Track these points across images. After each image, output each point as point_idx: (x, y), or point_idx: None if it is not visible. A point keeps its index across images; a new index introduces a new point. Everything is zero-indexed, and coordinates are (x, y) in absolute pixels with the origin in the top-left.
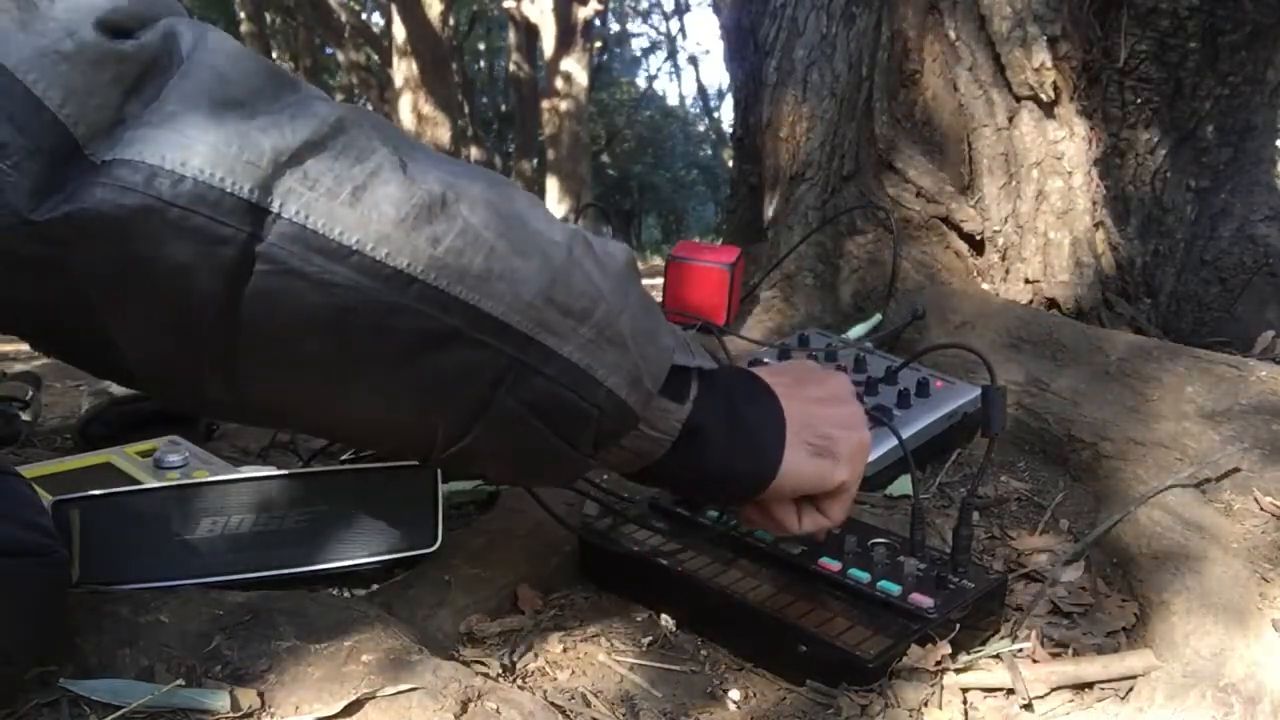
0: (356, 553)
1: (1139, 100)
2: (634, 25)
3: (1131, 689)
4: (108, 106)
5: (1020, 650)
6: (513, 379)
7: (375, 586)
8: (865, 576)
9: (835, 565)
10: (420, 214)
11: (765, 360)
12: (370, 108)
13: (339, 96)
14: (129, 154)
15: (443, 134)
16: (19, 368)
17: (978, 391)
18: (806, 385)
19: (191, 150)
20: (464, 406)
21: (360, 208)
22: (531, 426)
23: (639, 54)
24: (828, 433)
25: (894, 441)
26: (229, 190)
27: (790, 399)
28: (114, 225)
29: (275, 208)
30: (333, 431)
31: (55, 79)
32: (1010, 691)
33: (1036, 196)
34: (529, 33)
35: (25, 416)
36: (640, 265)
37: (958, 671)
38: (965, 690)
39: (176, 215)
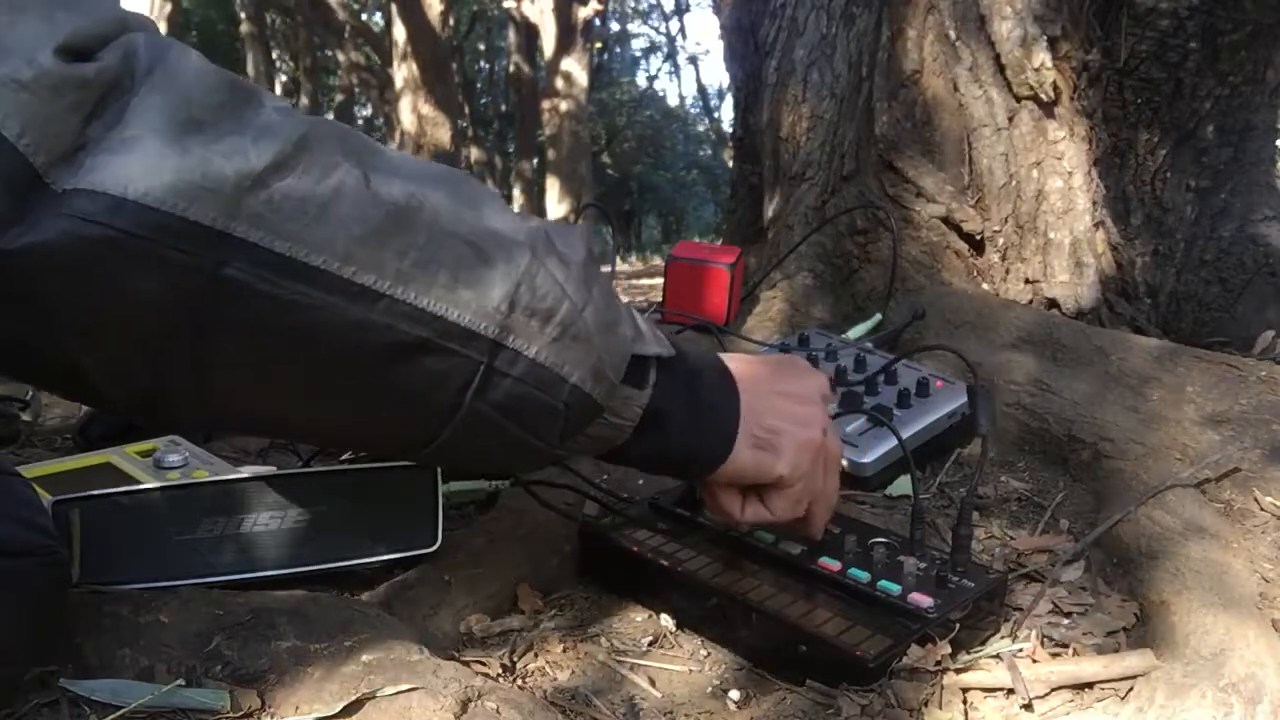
0: (356, 553)
1: (1139, 100)
2: (634, 25)
3: (1131, 689)
4: (68, 133)
5: (1020, 650)
6: (481, 383)
7: (375, 587)
8: (865, 576)
9: (835, 565)
10: (385, 228)
11: (775, 346)
12: (370, 108)
13: (339, 97)
14: (90, 183)
15: (443, 134)
16: None
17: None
18: (777, 378)
19: (153, 178)
20: (434, 412)
21: (325, 227)
22: (501, 426)
23: (639, 54)
24: (775, 425)
25: (894, 441)
26: (192, 219)
27: (751, 388)
28: (77, 257)
29: (240, 233)
30: (307, 438)
31: (13, 108)
32: (1010, 691)
33: (1036, 196)
34: (529, 33)
35: (25, 416)
36: (640, 265)
37: (958, 671)
38: (965, 690)
39: (140, 246)
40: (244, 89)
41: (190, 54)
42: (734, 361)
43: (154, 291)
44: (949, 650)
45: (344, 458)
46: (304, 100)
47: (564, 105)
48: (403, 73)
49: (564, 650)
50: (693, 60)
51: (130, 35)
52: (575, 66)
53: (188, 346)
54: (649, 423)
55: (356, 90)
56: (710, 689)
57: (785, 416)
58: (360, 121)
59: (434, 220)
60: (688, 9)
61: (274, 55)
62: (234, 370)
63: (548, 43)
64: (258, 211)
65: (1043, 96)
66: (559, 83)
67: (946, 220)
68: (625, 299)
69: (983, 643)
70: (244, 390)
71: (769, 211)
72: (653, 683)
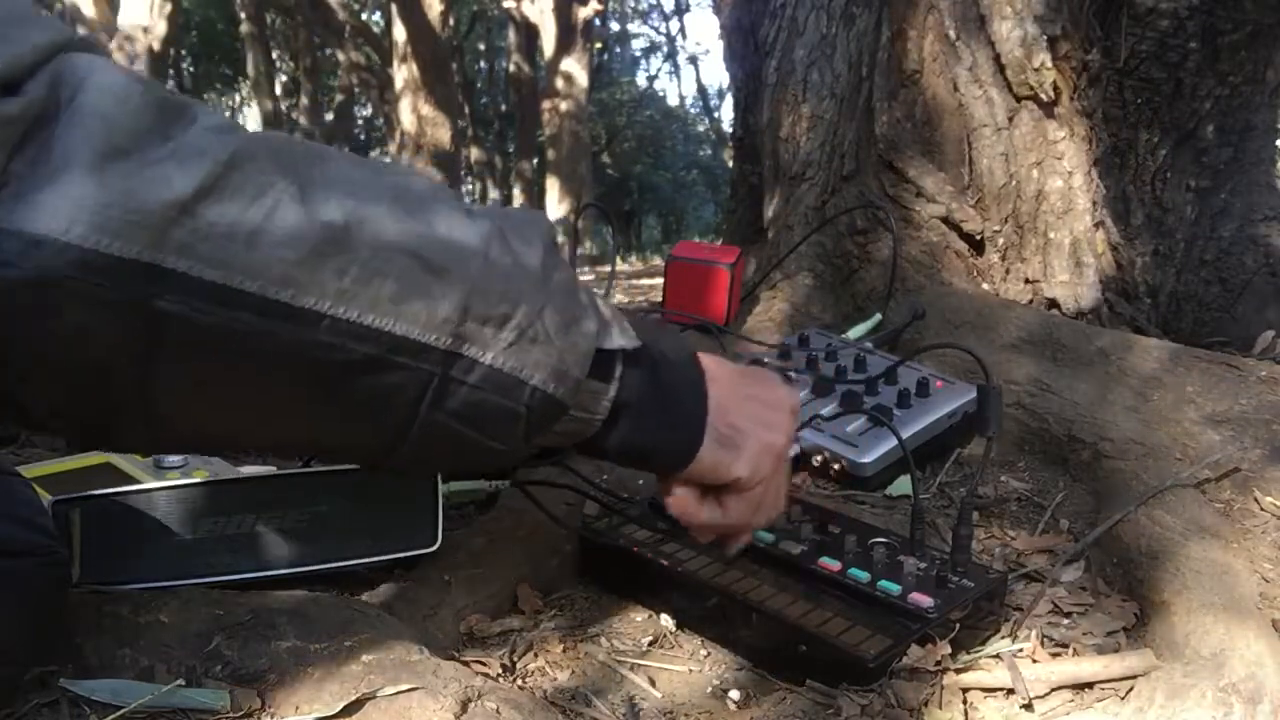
0: (356, 553)
1: (1139, 100)
2: (634, 25)
3: (1131, 689)
4: None
5: (1020, 650)
6: (436, 393)
7: (375, 587)
8: (865, 576)
9: (835, 565)
10: (324, 247)
11: (764, 360)
12: (370, 108)
13: (339, 97)
14: (12, 223)
15: (443, 134)
16: None
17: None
18: (749, 382)
19: (75, 214)
20: (390, 424)
21: (258, 251)
22: (460, 433)
23: (639, 54)
24: (738, 424)
25: (894, 441)
26: (116, 254)
27: (718, 385)
28: (5, 299)
29: (169, 264)
30: (262, 454)
31: None
32: (1010, 691)
33: (1036, 196)
34: (529, 33)
35: None
36: (640, 265)
37: (958, 671)
38: (965, 690)
39: (66, 286)
40: (173, 108)
41: (116, 75)
42: (707, 359)
43: (85, 329)
44: (949, 650)
45: None
46: (304, 100)
47: (564, 105)
48: (403, 73)
49: (564, 650)
50: (693, 60)
51: (59, 60)
52: (575, 66)
53: (129, 380)
54: (618, 415)
55: (356, 90)
56: (710, 689)
57: (752, 417)
58: (360, 121)
59: (377, 233)
60: (688, 9)
61: (274, 55)
62: (180, 399)
63: (548, 43)
64: (186, 241)
65: (1043, 96)
66: (559, 83)
67: (946, 220)
68: (624, 299)
69: (983, 643)
70: (194, 416)
71: (769, 211)
72: (653, 683)
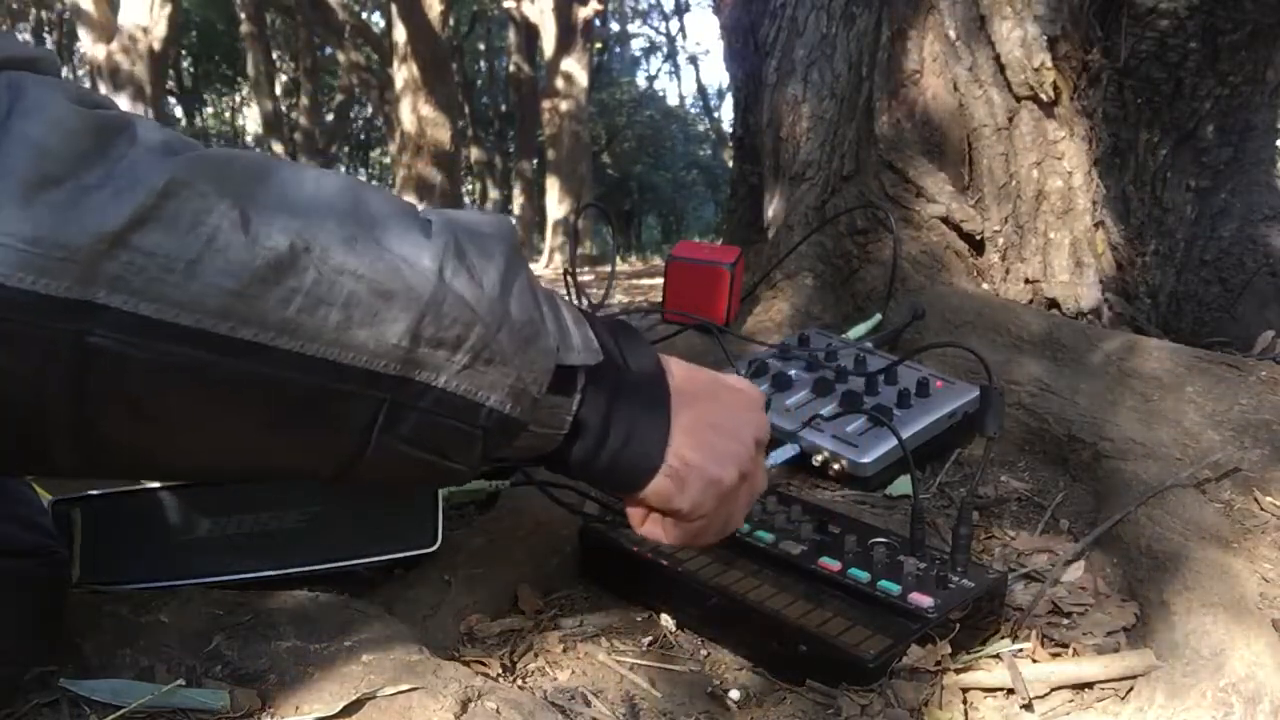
0: (356, 553)
1: (1139, 100)
2: (634, 25)
3: (1131, 689)
4: None
5: (1020, 650)
6: (386, 420)
7: (375, 586)
8: (865, 576)
9: (835, 565)
10: (266, 275)
11: (775, 346)
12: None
13: (339, 97)
14: None
15: (443, 134)
16: None
17: (977, 391)
18: (710, 403)
19: (2, 251)
20: (340, 451)
21: (195, 282)
22: (411, 456)
23: (639, 54)
24: (688, 458)
25: (894, 441)
26: (44, 293)
27: (680, 408)
28: None
29: (101, 299)
30: (207, 481)
31: None
32: (1010, 691)
33: (1036, 196)
34: (529, 33)
35: None
36: (640, 265)
37: (958, 671)
38: (965, 690)
39: None
40: (111, 130)
41: (51, 95)
42: (676, 372)
43: (15, 368)
44: (949, 650)
45: None
46: (304, 100)
47: (564, 105)
48: (403, 73)
49: (564, 650)
50: (693, 60)
51: None
52: (575, 66)
53: (63, 414)
54: (579, 431)
55: (356, 90)
56: (710, 689)
57: (706, 450)
58: (360, 121)
59: (323, 258)
60: (688, 9)
61: (274, 55)
62: (121, 434)
63: (548, 43)
64: (118, 274)
65: (1043, 96)
66: (559, 83)
67: (946, 220)
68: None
69: (983, 643)
70: (130, 445)
71: (769, 211)
72: (653, 683)
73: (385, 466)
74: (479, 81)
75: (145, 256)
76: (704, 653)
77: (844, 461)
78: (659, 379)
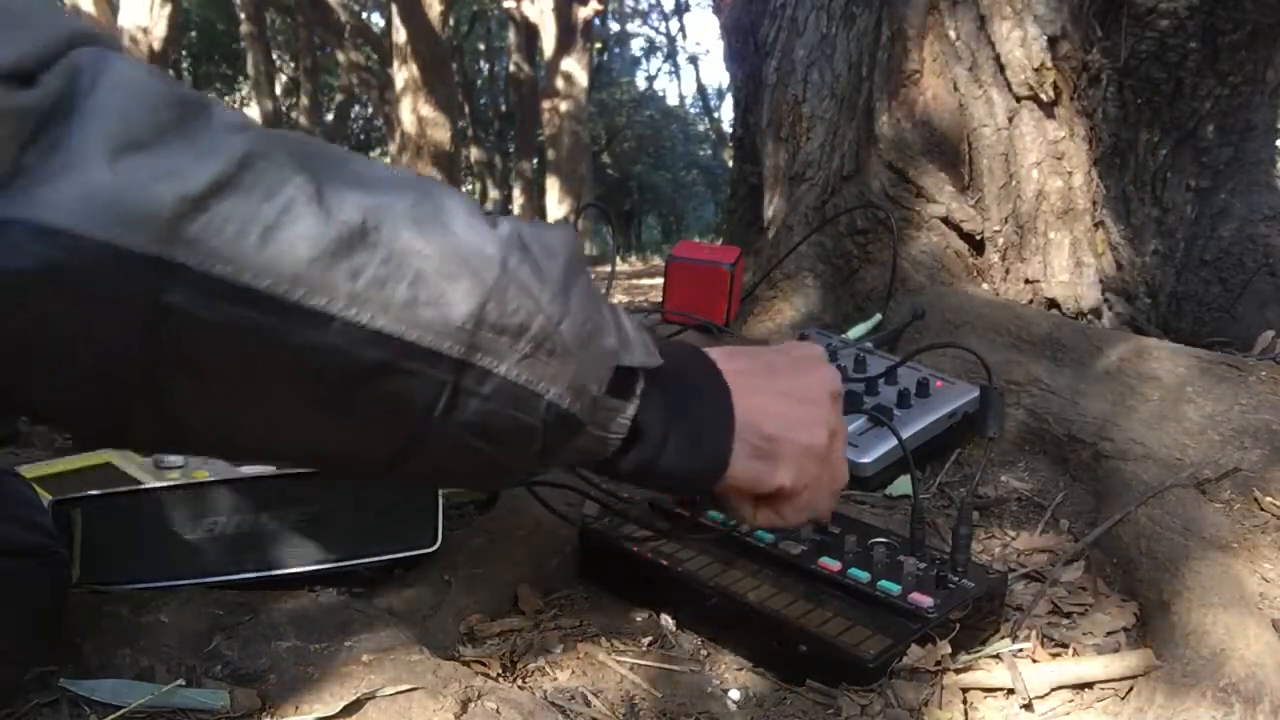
0: (356, 553)
1: (1139, 100)
2: (634, 25)
3: (1131, 689)
4: (4, 162)
5: (1020, 650)
6: (447, 404)
7: (375, 586)
8: (865, 576)
9: (835, 565)
10: (337, 248)
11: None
12: (370, 108)
13: (339, 97)
14: (21, 213)
15: (443, 134)
16: None
17: (977, 391)
18: (778, 376)
19: (86, 206)
20: (400, 433)
21: (270, 249)
22: (472, 446)
23: (639, 54)
24: (772, 434)
25: (894, 441)
26: (127, 247)
27: (747, 393)
28: (12, 291)
29: (179, 259)
30: (269, 461)
31: None
32: (1010, 691)
33: (1036, 196)
34: (529, 33)
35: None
36: (640, 265)
37: (958, 671)
38: (965, 690)
39: (75, 278)
40: (192, 104)
41: (136, 69)
42: (730, 360)
43: (94, 321)
44: (949, 650)
45: None
46: (304, 100)
47: (564, 105)
48: (403, 73)
49: (564, 650)
50: (693, 60)
51: (76, 53)
52: (575, 66)
53: (138, 376)
54: (637, 436)
55: (356, 90)
56: (710, 689)
57: (783, 422)
58: (360, 122)
59: (393, 236)
60: (688, 9)
61: (274, 55)
62: (188, 398)
63: (548, 43)
64: (197, 235)
65: (1043, 96)
66: (559, 83)
67: (946, 220)
68: (625, 299)
69: (983, 643)
70: (202, 417)
71: (769, 211)
72: (653, 683)
73: (441, 457)
74: (479, 81)
75: (223, 220)
76: (704, 653)
77: None
78: (711, 369)
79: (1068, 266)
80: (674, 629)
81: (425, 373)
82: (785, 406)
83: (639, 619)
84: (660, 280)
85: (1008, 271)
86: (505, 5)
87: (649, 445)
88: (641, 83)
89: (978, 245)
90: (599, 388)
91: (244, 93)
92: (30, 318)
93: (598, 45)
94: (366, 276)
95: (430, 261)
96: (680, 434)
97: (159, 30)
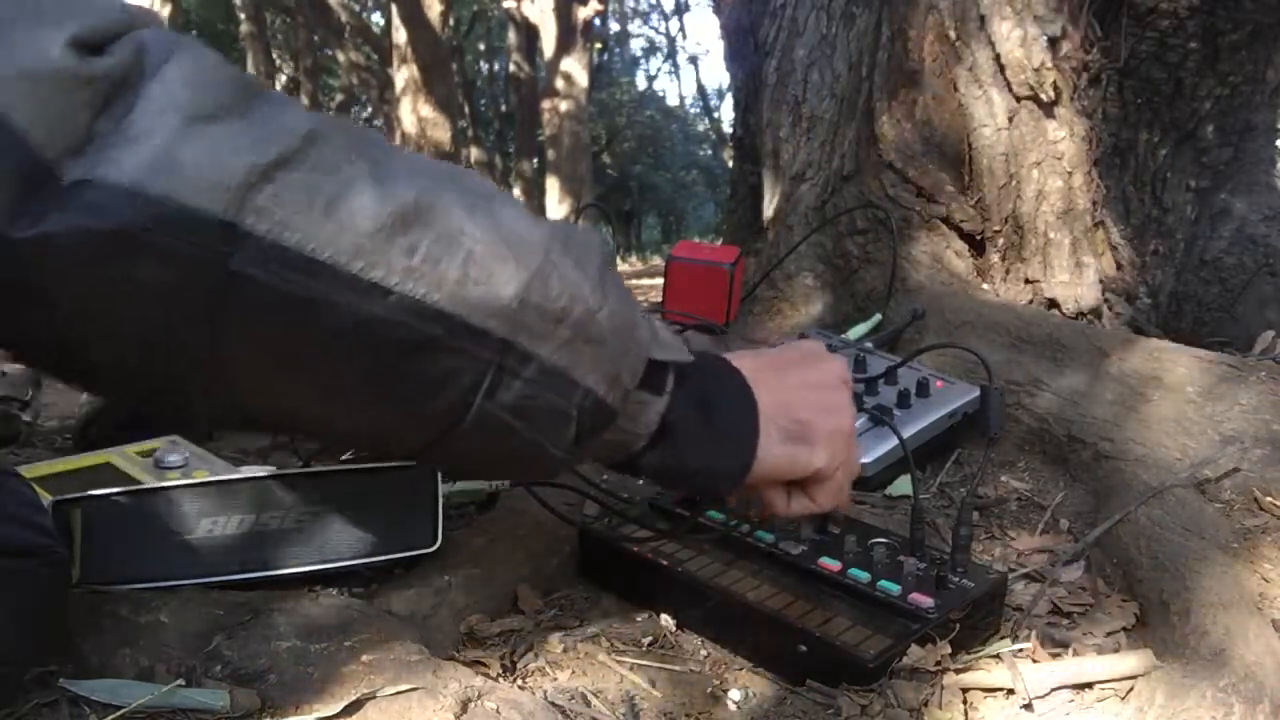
0: (356, 553)
1: (1139, 100)
2: (634, 25)
3: (1131, 689)
4: (77, 128)
5: (1020, 650)
6: (491, 382)
7: (375, 586)
8: (865, 576)
9: (835, 565)
10: (394, 224)
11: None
12: (370, 108)
13: (339, 97)
14: (100, 175)
15: (443, 134)
16: (19, 368)
17: (977, 391)
18: (793, 369)
19: (162, 171)
20: (443, 410)
21: (333, 222)
22: (511, 427)
23: (639, 54)
24: (802, 417)
25: (894, 441)
26: (200, 211)
27: (767, 386)
28: (86, 249)
29: (248, 226)
30: (315, 435)
31: (25, 101)
32: (1010, 691)
33: (1036, 196)
34: (529, 33)
35: (25, 416)
36: (640, 265)
37: (958, 671)
38: (965, 690)
39: (148, 238)
40: (254, 85)
41: (202, 50)
42: (747, 360)
43: (163, 282)
44: (949, 650)
45: (344, 457)
46: (304, 100)
47: (564, 105)
48: (403, 73)
49: (564, 650)
50: (693, 60)
51: (140, 31)
52: (575, 66)
53: (198, 338)
54: (665, 432)
55: (356, 90)
56: (710, 689)
57: (810, 406)
58: (360, 122)
59: (445, 217)
60: (688, 9)
61: (274, 55)
62: (244, 363)
63: (548, 43)
64: (265, 205)
65: (1043, 96)
66: (559, 83)
67: (946, 220)
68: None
69: (983, 643)
70: (255, 383)
71: (769, 211)
72: (653, 683)
73: (480, 439)
74: (479, 81)
75: (289, 191)
76: (704, 653)
77: None
78: (732, 370)
79: (1068, 266)
80: (674, 629)
81: (472, 351)
82: (809, 394)
83: (639, 619)
84: (660, 280)
85: (1008, 271)
86: (505, 5)
87: (675, 441)
88: (641, 83)
89: (978, 245)
90: (632, 380)
91: None
92: (105, 276)
93: (598, 45)
94: (421, 253)
95: (479, 243)
96: (708, 430)
97: None
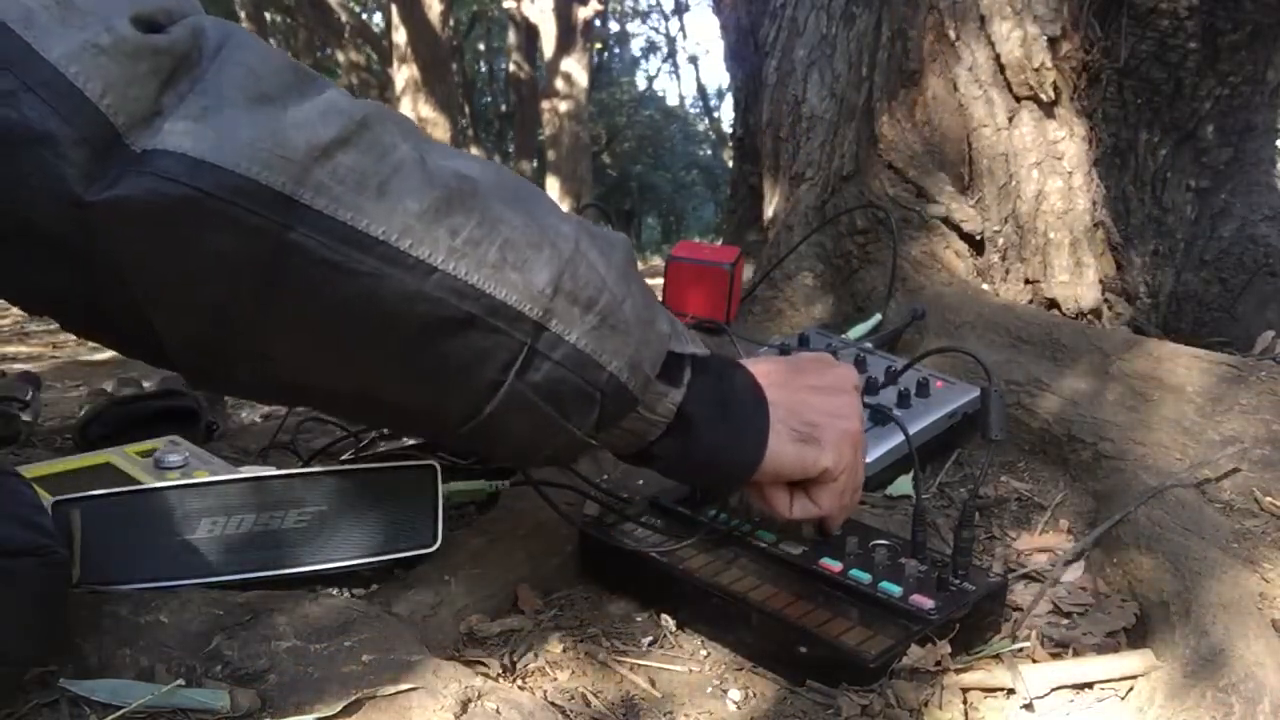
0: (356, 553)
1: (1139, 100)
2: (634, 25)
3: (1131, 689)
4: (145, 98)
5: (1020, 650)
6: (524, 363)
7: (375, 586)
8: (866, 577)
9: (836, 566)
10: (440, 207)
11: (775, 346)
12: None
13: None
14: (170, 145)
15: (442, 135)
16: (19, 368)
17: (978, 392)
18: (803, 374)
19: (229, 143)
20: (477, 388)
21: (385, 201)
22: (539, 408)
23: (639, 54)
24: (812, 419)
25: (895, 441)
26: (264, 182)
27: (778, 387)
28: (156, 213)
29: (307, 200)
30: (354, 412)
31: (95, 71)
32: (1010, 691)
33: (1036, 196)
34: (529, 33)
35: (25, 416)
36: (640, 265)
37: (958, 672)
38: (965, 690)
39: (216, 206)
40: (306, 71)
41: (254, 37)
42: (759, 364)
43: (226, 250)
44: (949, 650)
45: (344, 457)
46: None
47: (564, 105)
48: (403, 73)
49: (564, 650)
50: (693, 60)
51: (197, 17)
52: (575, 66)
53: (252, 306)
54: (680, 423)
55: (356, 90)
56: (710, 689)
57: (820, 409)
58: None
59: (485, 204)
60: (688, 9)
61: None
62: (292, 333)
63: (548, 43)
64: (324, 181)
65: (1043, 96)
66: (559, 83)
67: (946, 220)
68: None
69: (983, 643)
70: (299, 354)
71: (769, 211)
72: (653, 683)
73: (510, 419)
74: (479, 82)
75: (347, 170)
76: (704, 653)
77: None
78: (739, 367)
79: (1068, 266)
80: (674, 629)
81: (507, 330)
82: (819, 397)
83: (639, 619)
84: (660, 280)
85: (1008, 271)
86: (505, 5)
87: (690, 432)
88: (641, 83)
89: (978, 245)
90: (653, 368)
91: None
92: (173, 239)
93: (598, 45)
94: (464, 235)
95: (517, 230)
96: (721, 424)
97: None
